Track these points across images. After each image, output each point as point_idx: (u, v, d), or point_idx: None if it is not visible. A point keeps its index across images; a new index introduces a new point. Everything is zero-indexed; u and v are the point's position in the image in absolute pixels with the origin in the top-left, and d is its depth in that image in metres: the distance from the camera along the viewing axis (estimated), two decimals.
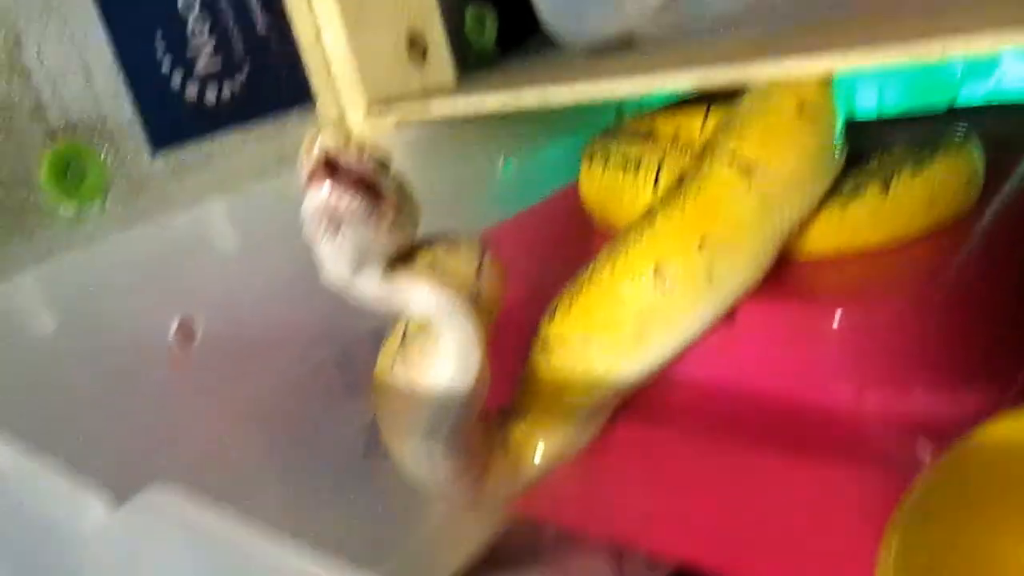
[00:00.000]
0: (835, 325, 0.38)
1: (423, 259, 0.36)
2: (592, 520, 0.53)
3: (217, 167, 0.63)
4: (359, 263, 0.32)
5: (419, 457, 0.39)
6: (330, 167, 0.28)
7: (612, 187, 0.52)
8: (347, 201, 0.29)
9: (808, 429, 0.40)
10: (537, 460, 0.44)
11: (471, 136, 0.67)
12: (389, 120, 0.65)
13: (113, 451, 0.47)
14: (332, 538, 0.59)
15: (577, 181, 0.58)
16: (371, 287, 0.34)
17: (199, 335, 0.50)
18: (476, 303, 0.36)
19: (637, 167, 0.50)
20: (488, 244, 0.39)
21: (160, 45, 0.59)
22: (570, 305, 0.41)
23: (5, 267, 0.53)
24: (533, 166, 0.71)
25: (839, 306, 0.38)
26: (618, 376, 0.41)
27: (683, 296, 0.39)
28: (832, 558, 0.41)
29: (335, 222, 0.29)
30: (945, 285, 0.39)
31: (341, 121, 0.67)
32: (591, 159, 0.55)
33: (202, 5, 0.62)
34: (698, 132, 0.57)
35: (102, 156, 0.57)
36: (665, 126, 0.58)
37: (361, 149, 0.29)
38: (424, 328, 0.37)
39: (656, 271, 0.39)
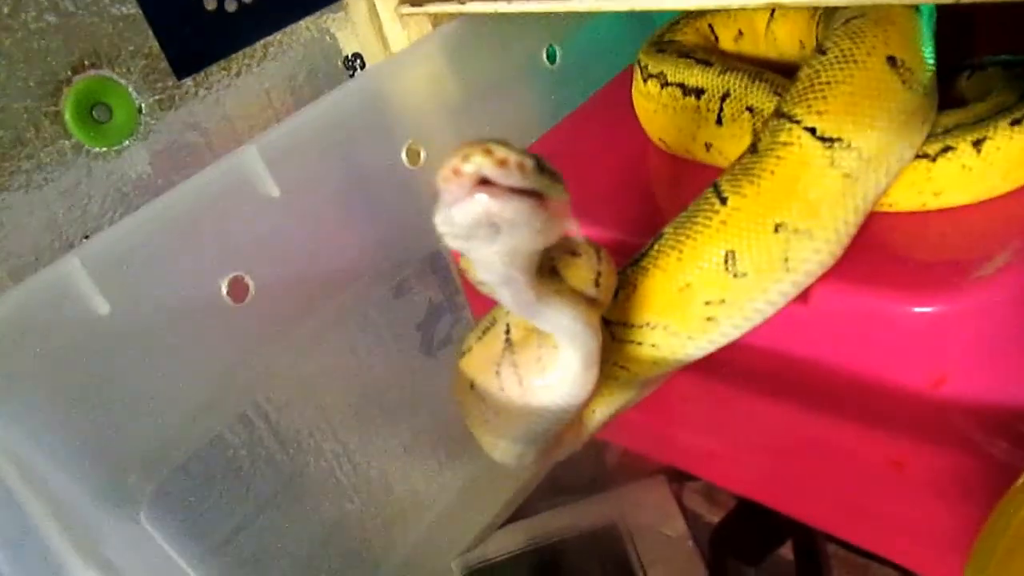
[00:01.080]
0: (913, 313, 0.36)
1: (545, 266, 0.34)
2: (657, 448, 0.54)
3: (247, 82, 0.59)
4: (511, 268, 0.29)
5: (510, 454, 0.40)
6: (484, 182, 0.25)
7: (670, 113, 0.49)
8: (511, 209, 0.25)
9: (881, 404, 0.39)
10: (597, 419, 0.44)
11: (512, 24, 0.62)
12: (424, 16, 0.60)
13: (183, 400, 0.48)
14: (400, 445, 0.62)
15: (629, 67, 0.54)
16: (517, 296, 0.30)
17: (252, 290, 0.49)
18: (593, 309, 0.35)
19: (698, 96, 0.47)
20: (604, 251, 0.37)
21: None
22: (634, 288, 0.39)
23: (50, 220, 0.52)
24: (580, 50, 0.66)
25: (918, 294, 0.36)
26: (684, 356, 0.40)
27: (756, 282, 0.37)
28: (892, 520, 0.42)
29: (493, 229, 0.26)
30: None
31: (373, 17, 0.62)
32: (645, 75, 0.50)
33: None
34: (763, 34, 0.52)
35: (128, 87, 0.54)
36: (726, 27, 0.53)
37: (521, 163, 0.25)
38: (539, 336, 0.35)
39: (728, 257, 0.37)
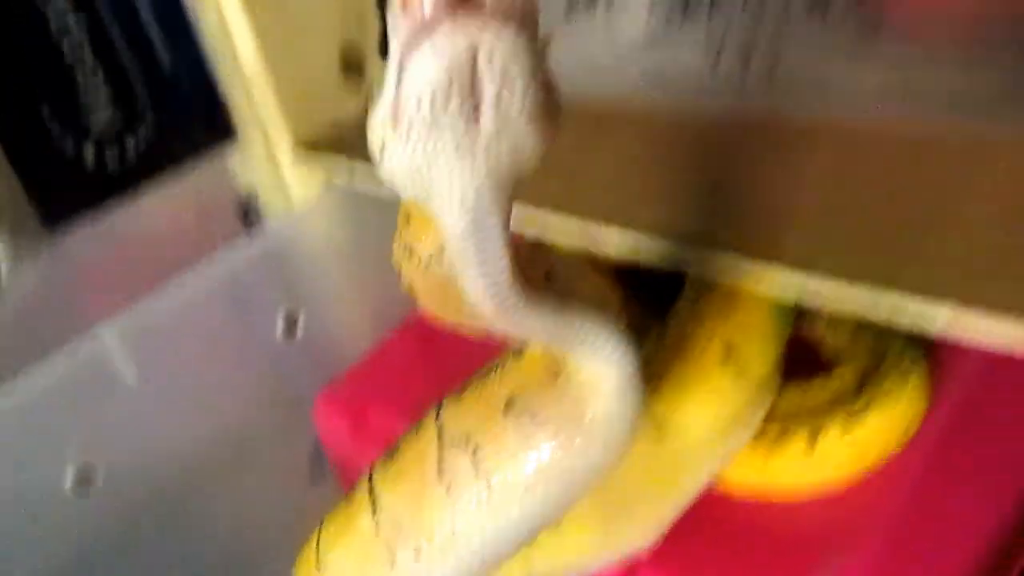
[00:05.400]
0: None
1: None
2: None
3: (128, 238, 0.57)
4: (487, 201, 0.20)
5: None
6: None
7: None
8: (508, 42, 0.17)
9: None
10: None
11: None
12: (316, 174, 0.59)
13: None
14: None
15: None
16: (494, 280, 0.22)
17: (100, 479, 0.48)
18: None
19: None
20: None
21: (45, 107, 0.52)
22: None
23: None
24: None
25: None
26: None
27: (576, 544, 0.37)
28: None
29: (470, 102, 0.18)
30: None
31: (271, 161, 0.60)
32: None
33: (93, 51, 0.54)
34: None
35: None
36: None
37: None
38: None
39: None
